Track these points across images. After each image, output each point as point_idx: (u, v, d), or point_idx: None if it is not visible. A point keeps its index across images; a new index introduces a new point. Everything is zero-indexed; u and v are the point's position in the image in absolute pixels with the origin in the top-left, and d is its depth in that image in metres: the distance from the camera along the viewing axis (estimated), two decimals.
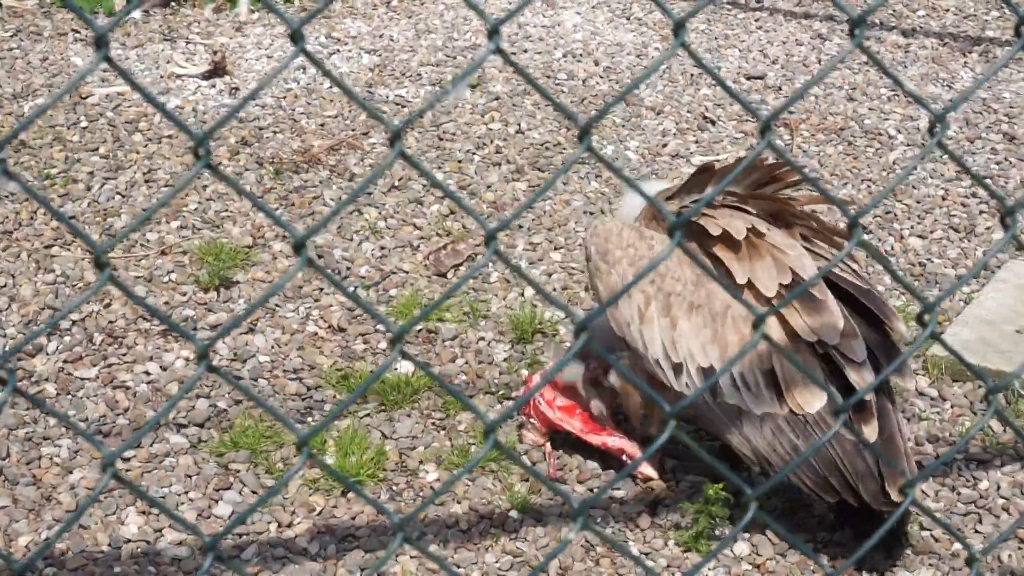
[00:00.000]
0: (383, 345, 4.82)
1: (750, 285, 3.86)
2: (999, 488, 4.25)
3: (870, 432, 3.79)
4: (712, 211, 4.01)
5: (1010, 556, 3.96)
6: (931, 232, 5.70)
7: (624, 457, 4.18)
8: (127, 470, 4.21)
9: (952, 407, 4.60)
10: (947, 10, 8.12)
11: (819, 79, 1.62)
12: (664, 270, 3.96)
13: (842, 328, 3.80)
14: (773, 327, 3.82)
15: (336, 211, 1.53)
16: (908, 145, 6.46)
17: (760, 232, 3.93)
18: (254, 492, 4.13)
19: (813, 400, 3.82)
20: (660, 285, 3.97)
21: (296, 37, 1.38)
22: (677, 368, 3.95)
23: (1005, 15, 8.13)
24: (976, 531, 4.09)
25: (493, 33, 1.46)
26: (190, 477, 4.19)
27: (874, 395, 3.84)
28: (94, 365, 4.66)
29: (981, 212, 5.85)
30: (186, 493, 4.14)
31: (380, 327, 4.91)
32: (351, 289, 5.10)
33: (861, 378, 3.78)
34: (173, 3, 7.64)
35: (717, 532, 4.01)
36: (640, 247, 4.02)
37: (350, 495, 4.13)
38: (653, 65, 1.57)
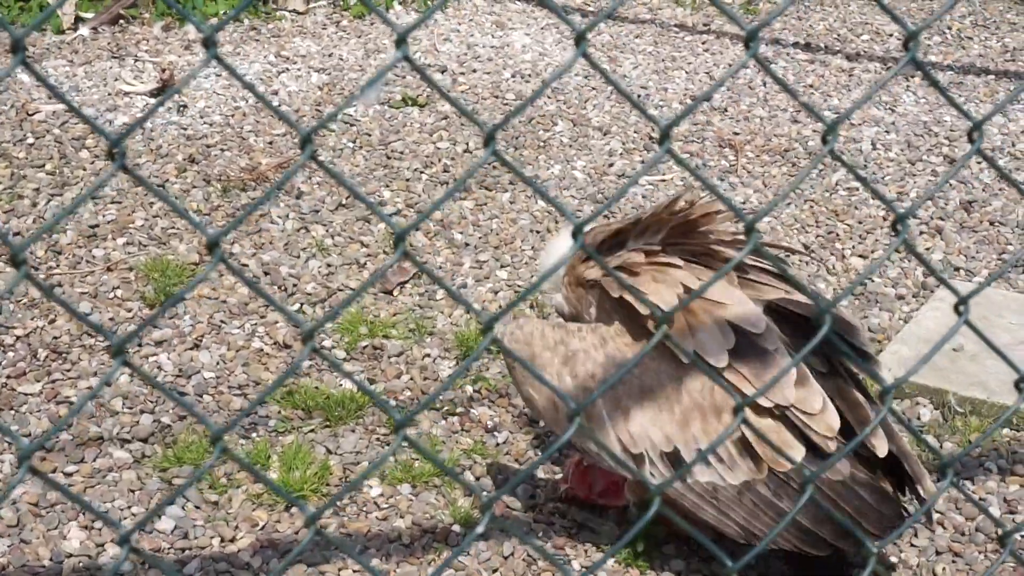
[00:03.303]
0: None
1: (699, 356, 3.61)
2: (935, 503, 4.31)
3: (880, 444, 3.65)
4: (636, 278, 3.75)
5: (944, 569, 4.03)
6: (872, 252, 5.78)
7: None
8: (70, 485, 4.20)
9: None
10: (891, 35, 8.25)
11: (716, 88, 1.66)
12: (605, 361, 3.74)
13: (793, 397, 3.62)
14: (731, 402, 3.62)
15: (251, 210, 1.56)
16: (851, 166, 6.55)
17: (690, 290, 3.68)
18: (197, 507, 4.13)
19: (792, 452, 3.58)
20: (604, 379, 3.70)
21: (208, 43, 1.41)
22: (638, 459, 3.73)
23: (947, 40, 8.27)
24: (912, 544, 4.14)
25: (401, 42, 1.49)
26: (133, 492, 4.19)
27: (868, 404, 3.70)
28: (38, 381, 4.65)
29: (921, 232, 5.94)
30: (129, 508, 4.13)
31: (326, 343, 4.93)
32: (295, 308, 5.12)
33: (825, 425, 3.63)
34: (122, 21, 7.65)
35: (661, 549, 4.05)
36: (571, 342, 3.80)
37: (293, 510, 4.14)
38: (556, 73, 1.62)
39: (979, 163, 6.61)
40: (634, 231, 3.92)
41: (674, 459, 3.70)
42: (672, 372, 3.70)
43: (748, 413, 3.57)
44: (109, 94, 6.77)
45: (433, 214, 5.81)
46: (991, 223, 6.08)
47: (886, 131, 6.91)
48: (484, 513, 1.38)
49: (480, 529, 1.49)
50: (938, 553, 4.11)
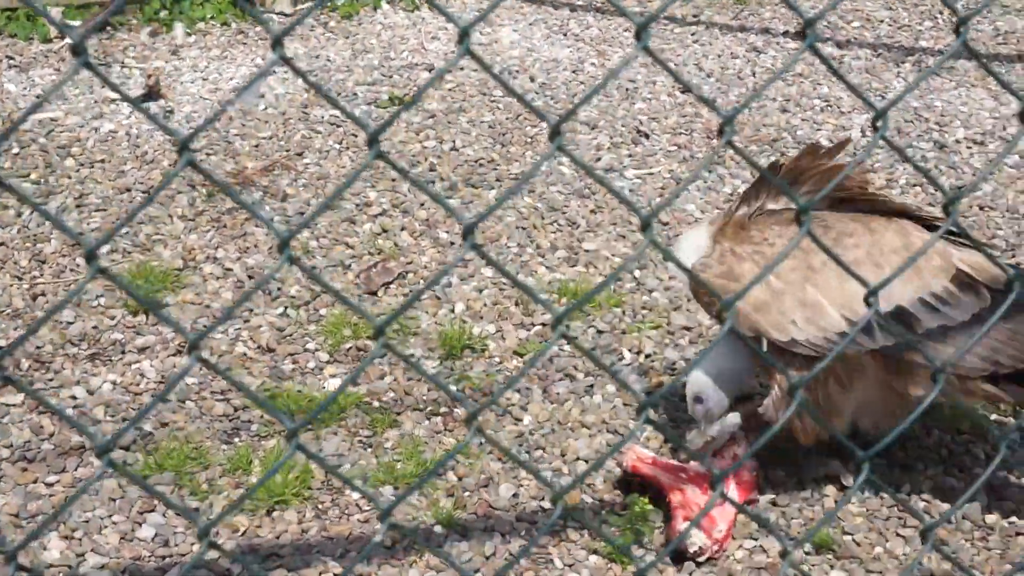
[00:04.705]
0: (312, 364, 4.82)
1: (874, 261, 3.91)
2: (921, 492, 4.28)
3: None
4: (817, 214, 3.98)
5: (929, 559, 4.00)
6: None
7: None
8: (51, 495, 4.19)
9: None
10: (881, 21, 8.21)
11: (611, 78, 1.64)
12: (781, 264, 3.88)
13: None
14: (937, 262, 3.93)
15: (121, 224, 1.55)
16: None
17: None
18: (178, 515, 4.12)
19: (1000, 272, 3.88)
20: (796, 267, 3.93)
21: (78, 51, 1.40)
22: (852, 324, 3.87)
23: (938, 25, 8.22)
24: (898, 535, 4.12)
25: (276, 45, 1.48)
26: (114, 500, 4.18)
27: None
28: (20, 391, 4.64)
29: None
30: (110, 516, 4.12)
31: (309, 347, 4.92)
32: (280, 311, 5.11)
33: None
34: (109, 27, 7.64)
35: (644, 543, 4.03)
36: (764, 249, 3.97)
37: (274, 514, 4.12)
38: (445, 66, 1.60)
39: (970, 148, 6.57)
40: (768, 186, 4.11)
41: (899, 315, 3.88)
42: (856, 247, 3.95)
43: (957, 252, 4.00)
44: (96, 101, 6.75)
45: (418, 213, 5.80)
46: (981, 208, 6.05)
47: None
48: (382, 522, 1.36)
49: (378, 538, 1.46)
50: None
